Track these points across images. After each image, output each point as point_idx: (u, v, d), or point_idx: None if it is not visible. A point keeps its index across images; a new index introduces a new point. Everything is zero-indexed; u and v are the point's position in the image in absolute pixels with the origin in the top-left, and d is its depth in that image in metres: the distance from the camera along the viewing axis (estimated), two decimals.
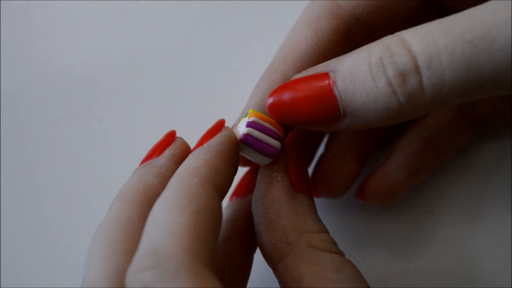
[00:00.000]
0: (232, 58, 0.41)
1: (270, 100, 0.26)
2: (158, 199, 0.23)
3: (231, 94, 0.39)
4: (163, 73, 0.42)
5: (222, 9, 0.43)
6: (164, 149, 0.27)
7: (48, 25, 0.45)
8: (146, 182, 0.25)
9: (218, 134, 0.26)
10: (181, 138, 0.28)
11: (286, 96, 0.26)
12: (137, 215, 0.24)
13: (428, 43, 0.23)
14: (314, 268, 0.25)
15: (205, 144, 0.26)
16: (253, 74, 0.32)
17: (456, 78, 0.22)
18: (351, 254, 0.28)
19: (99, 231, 0.24)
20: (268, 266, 0.27)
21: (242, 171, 0.32)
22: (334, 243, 0.27)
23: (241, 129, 0.26)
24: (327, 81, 0.25)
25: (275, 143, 0.27)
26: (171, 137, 0.28)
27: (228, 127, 0.27)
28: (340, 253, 0.26)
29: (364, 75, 0.24)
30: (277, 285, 0.26)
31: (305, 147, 0.34)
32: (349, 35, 0.28)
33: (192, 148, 0.27)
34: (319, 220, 0.27)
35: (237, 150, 0.26)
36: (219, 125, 0.27)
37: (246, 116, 0.27)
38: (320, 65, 0.26)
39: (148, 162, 0.27)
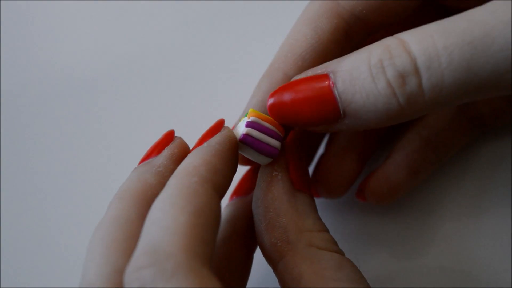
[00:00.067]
0: (232, 58, 0.41)
1: (271, 101, 0.26)
2: (157, 198, 0.23)
3: (231, 94, 0.39)
4: (163, 73, 0.42)
5: (222, 9, 0.43)
6: (163, 149, 0.27)
7: (48, 25, 0.45)
8: (145, 181, 0.25)
9: (217, 134, 0.26)
10: (180, 138, 0.28)
11: (287, 97, 0.26)
12: (135, 214, 0.24)
13: (428, 45, 0.23)
14: (314, 267, 0.25)
15: (205, 144, 0.26)
16: (253, 74, 0.32)
17: (455, 80, 0.22)
18: (351, 253, 0.28)
19: (98, 230, 0.24)
20: (268, 265, 0.27)
21: (242, 170, 0.32)
22: (334, 242, 0.27)
23: (241, 129, 0.26)
24: (327, 82, 0.25)
25: (274, 143, 0.27)
26: (169, 136, 0.28)
27: (227, 127, 0.27)
28: (340, 252, 0.26)
29: (364, 76, 0.24)
30: (277, 284, 0.26)
31: (306, 146, 0.34)
32: (349, 34, 0.28)
33: (191, 148, 0.27)
34: (319, 219, 0.27)
35: (236, 149, 0.26)
36: (219, 125, 0.27)
37: (246, 116, 0.27)
38: (320, 66, 0.26)
39: (147, 161, 0.27)
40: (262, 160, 0.27)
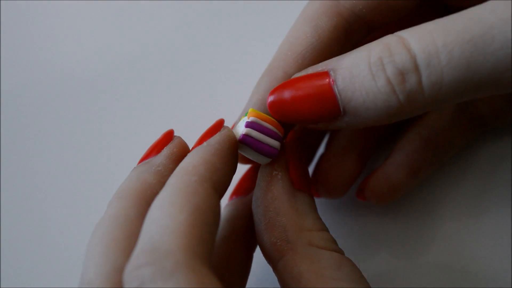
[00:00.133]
0: (232, 58, 0.41)
1: (271, 98, 0.26)
2: (156, 197, 0.23)
3: (230, 94, 0.39)
4: (163, 73, 0.42)
5: (222, 9, 0.43)
6: (162, 148, 0.27)
7: (48, 25, 0.45)
8: (144, 180, 0.25)
9: (217, 134, 0.26)
10: (179, 137, 0.28)
11: (287, 94, 0.26)
12: (135, 213, 0.24)
13: (427, 42, 0.23)
14: (313, 266, 0.25)
15: (204, 143, 0.26)
16: (253, 74, 0.32)
17: (455, 77, 0.22)
18: (351, 253, 0.28)
19: (97, 229, 0.24)
20: (268, 264, 0.27)
21: (241, 170, 0.32)
22: (334, 241, 0.27)
23: (240, 129, 0.26)
24: (327, 80, 0.25)
25: (274, 143, 0.27)
26: (169, 136, 0.28)
27: (227, 127, 0.27)
28: (340, 251, 0.26)
29: (363, 74, 0.24)
30: (277, 283, 0.26)
31: (306, 146, 0.34)
32: (349, 32, 0.29)
33: (191, 148, 0.27)
34: (319, 218, 0.27)
35: (236, 149, 0.26)
36: (218, 125, 0.27)
37: (246, 115, 0.27)
38: (320, 64, 0.26)
39: (146, 161, 0.27)
40: (261, 160, 0.27)
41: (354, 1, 0.28)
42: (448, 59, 0.22)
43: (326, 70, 0.25)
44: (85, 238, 0.24)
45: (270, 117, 0.27)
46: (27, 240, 0.38)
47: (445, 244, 0.33)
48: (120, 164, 0.33)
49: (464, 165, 0.35)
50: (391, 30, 0.25)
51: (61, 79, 0.42)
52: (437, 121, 0.33)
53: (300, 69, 0.28)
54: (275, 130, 0.27)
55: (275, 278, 0.26)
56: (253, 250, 0.30)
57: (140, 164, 0.27)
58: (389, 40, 0.24)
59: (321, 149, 0.35)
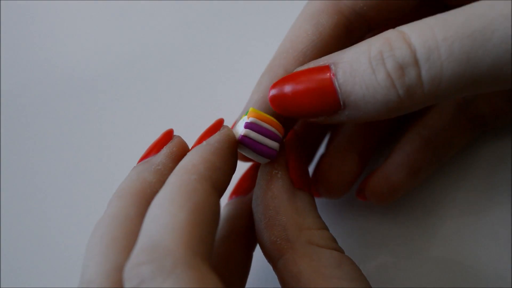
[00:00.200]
0: (232, 58, 0.41)
1: (272, 92, 0.27)
2: (156, 195, 0.23)
3: (230, 93, 0.39)
4: (163, 73, 0.42)
5: (222, 9, 0.43)
6: (162, 147, 0.27)
7: (48, 25, 0.45)
8: (144, 179, 0.25)
9: (216, 133, 0.26)
10: (179, 136, 0.28)
11: (288, 88, 0.26)
12: (135, 212, 0.24)
13: (428, 37, 0.23)
14: (313, 265, 0.25)
15: (204, 142, 0.26)
16: (253, 74, 0.32)
17: (454, 72, 0.22)
18: (351, 252, 0.28)
19: (97, 228, 0.24)
20: (267, 263, 0.27)
21: (241, 170, 0.32)
22: (334, 240, 0.27)
23: (240, 130, 0.26)
24: (328, 74, 0.25)
25: (272, 144, 0.27)
26: (168, 135, 0.28)
27: (227, 126, 0.27)
28: (340, 250, 0.26)
29: (364, 68, 0.24)
30: (277, 282, 0.26)
31: (306, 145, 0.34)
32: (350, 30, 0.29)
33: (190, 147, 0.27)
34: (319, 217, 0.27)
35: (235, 148, 0.26)
36: (218, 124, 0.27)
37: (246, 114, 0.27)
38: (322, 58, 0.26)
39: (146, 160, 0.27)
40: (260, 159, 0.27)
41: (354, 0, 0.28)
42: (448, 54, 0.22)
43: (327, 64, 0.25)
44: (85, 238, 0.24)
45: (270, 117, 0.27)
46: (27, 240, 0.38)
47: (445, 244, 0.33)
48: (120, 163, 0.33)
49: (464, 165, 0.35)
50: (392, 27, 0.25)
51: (61, 79, 0.42)
52: (437, 121, 0.33)
53: None
54: (274, 131, 0.27)
55: (275, 277, 0.26)
56: (252, 249, 0.30)
57: (140, 163, 0.27)
58: (389, 34, 0.24)
59: (321, 149, 0.35)
